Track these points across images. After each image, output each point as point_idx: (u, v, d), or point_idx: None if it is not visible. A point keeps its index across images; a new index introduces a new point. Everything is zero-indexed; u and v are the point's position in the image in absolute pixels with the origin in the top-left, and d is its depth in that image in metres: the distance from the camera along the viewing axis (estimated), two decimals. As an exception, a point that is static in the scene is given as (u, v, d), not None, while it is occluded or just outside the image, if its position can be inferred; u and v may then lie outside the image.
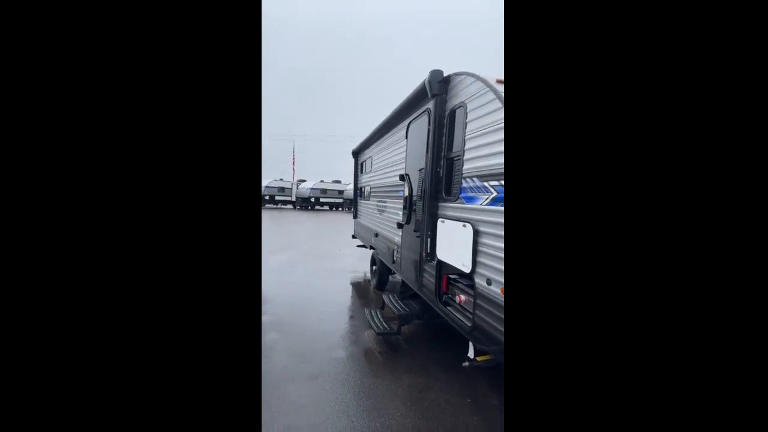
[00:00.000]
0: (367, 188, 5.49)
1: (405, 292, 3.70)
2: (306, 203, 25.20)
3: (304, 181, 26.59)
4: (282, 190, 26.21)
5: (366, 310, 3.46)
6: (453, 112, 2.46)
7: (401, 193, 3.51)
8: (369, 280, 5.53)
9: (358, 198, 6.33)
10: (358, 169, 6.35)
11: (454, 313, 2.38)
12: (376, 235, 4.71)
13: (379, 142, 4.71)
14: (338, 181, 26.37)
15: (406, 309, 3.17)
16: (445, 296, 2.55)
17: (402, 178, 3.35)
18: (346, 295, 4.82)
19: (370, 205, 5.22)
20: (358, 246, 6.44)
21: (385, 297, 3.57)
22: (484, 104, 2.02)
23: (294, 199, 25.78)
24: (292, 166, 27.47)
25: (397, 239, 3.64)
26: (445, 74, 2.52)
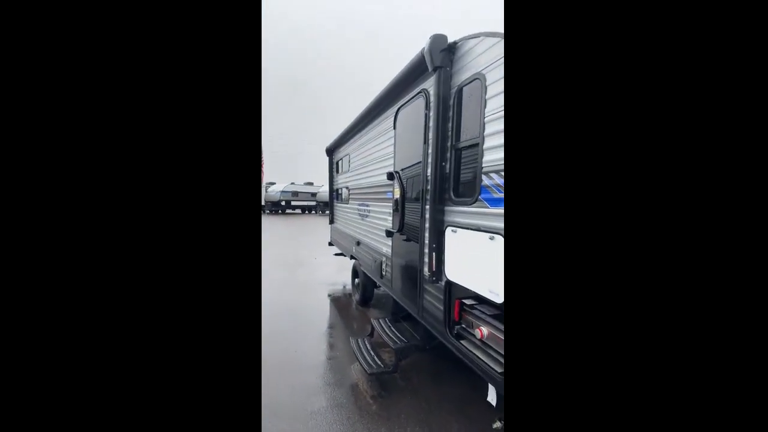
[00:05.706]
0: (345, 190, 4.84)
1: (397, 312, 3.11)
2: (276, 207, 23.84)
3: (273, 183, 25.19)
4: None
5: (352, 341, 2.83)
6: (461, 90, 1.91)
7: (389, 195, 2.92)
8: (351, 295, 4.88)
9: (335, 201, 5.66)
10: (334, 168, 5.68)
11: (473, 351, 1.82)
12: (358, 243, 4.08)
13: (358, 136, 4.08)
14: (310, 183, 25.22)
15: (402, 338, 2.58)
16: (457, 327, 1.98)
17: (391, 176, 2.76)
18: (324, 313, 4.15)
19: (350, 209, 4.58)
20: (336, 254, 5.77)
21: (374, 322, 2.96)
22: (514, 71, 1.47)
23: (263, 203, 24.28)
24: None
25: (386, 249, 3.05)
26: (449, 40, 1.95)
